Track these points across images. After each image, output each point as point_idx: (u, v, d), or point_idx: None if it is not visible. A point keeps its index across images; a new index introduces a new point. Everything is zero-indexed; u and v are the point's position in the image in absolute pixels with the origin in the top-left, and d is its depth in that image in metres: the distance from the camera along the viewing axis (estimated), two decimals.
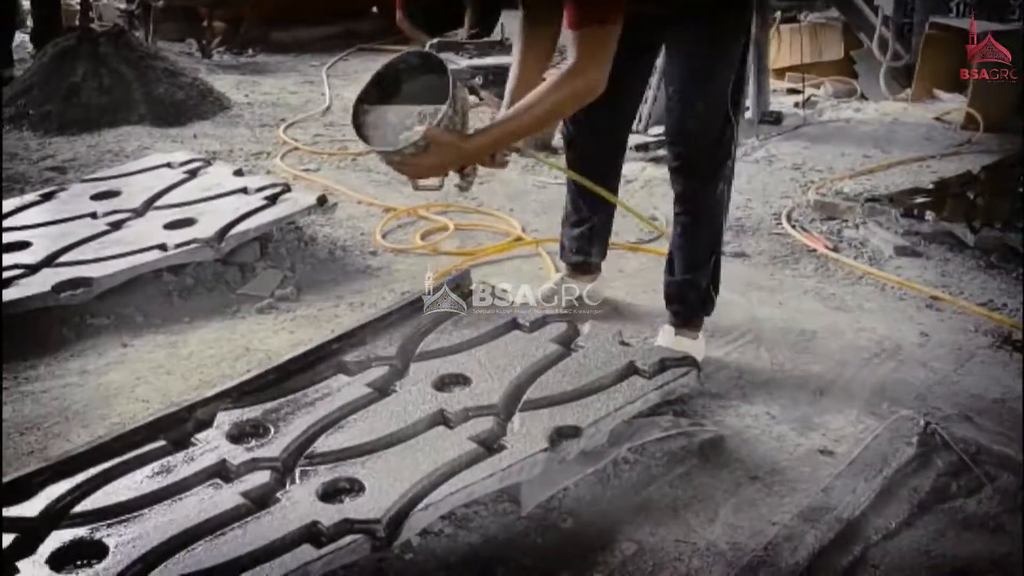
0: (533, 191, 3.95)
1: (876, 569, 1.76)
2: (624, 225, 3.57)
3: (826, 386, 2.48)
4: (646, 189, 3.98)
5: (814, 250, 3.35)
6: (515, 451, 1.97)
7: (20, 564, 1.67)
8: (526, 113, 2.14)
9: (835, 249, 3.35)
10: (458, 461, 1.93)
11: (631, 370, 2.27)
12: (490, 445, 2.00)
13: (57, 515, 1.80)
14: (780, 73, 5.74)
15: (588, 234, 2.78)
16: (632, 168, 4.21)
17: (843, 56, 5.73)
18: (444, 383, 2.23)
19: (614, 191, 2.76)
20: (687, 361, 2.30)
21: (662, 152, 4.33)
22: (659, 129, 4.58)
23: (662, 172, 4.12)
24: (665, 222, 3.57)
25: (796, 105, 5.27)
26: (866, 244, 3.40)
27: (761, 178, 4.13)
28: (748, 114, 4.87)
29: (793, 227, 3.54)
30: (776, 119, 4.92)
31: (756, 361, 2.60)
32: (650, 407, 2.21)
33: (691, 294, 2.58)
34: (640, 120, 4.74)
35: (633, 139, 4.51)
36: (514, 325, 2.48)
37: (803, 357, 2.63)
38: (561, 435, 2.02)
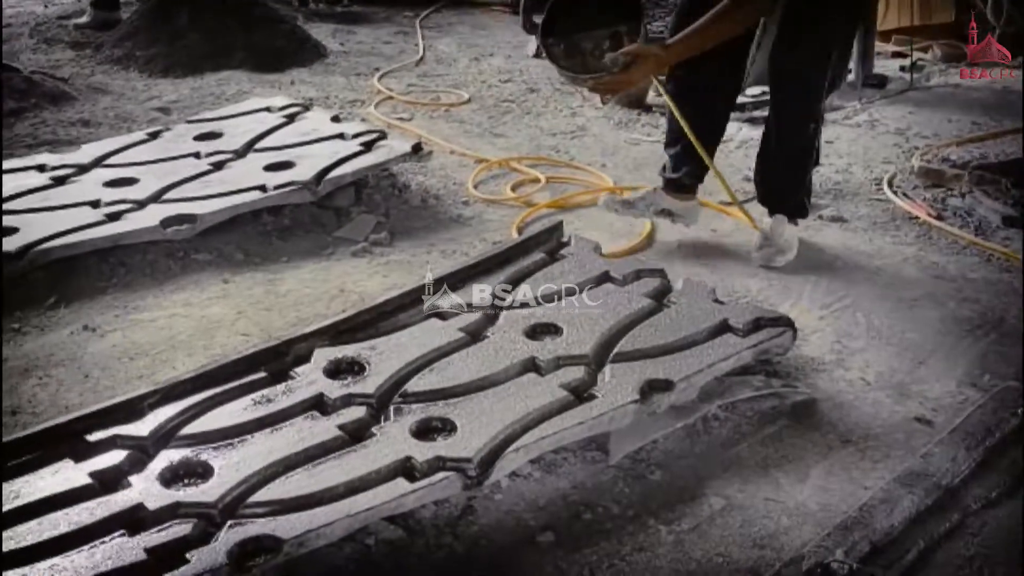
0: (626, 148, 3.91)
1: (974, 537, 1.72)
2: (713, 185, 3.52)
3: (925, 355, 2.42)
4: (742, 149, 3.90)
5: (916, 217, 3.24)
6: (605, 401, 1.98)
7: (132, 479, 1.75)
8: (702, 31, 2.60)
9: (939, 217, 3.23)
10: (549, 407, 1.96)
11: (724, 327, 2.25)
12: (581, 394, 2.02)
13: (166, 436, 1.88)
14: (886, 36, 5.52)
15: (681, 153, 2.97)
16: (728, 128, 4.11)
17: (953, 20, 5.48)
18: (535, 331, 2.25)
19: (718, 136, 3.06)
20: (782, 321, 2.27)
21: (759, 113, 4.25)
22: (757, 90, 4.47)
23: (759, 133, 4.04)
24: None
25: (902, 69, 5.07)
26: (972, 213, 3.27)
27: (863, 142, 4.00)
28: (851, 77, 4.72)
29: (895, 193, 3.43)
30: (880, 83, 4.75)
31: (852, 326, 2.54)
32: (742, 365, 2.19)
33: (789, 206, 2.95)
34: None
35: None
36: (607, 278, 2.48)
37: (901, 325, 2.56)
38: (652, 388, 2.02)
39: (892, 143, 4.00)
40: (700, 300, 2.37)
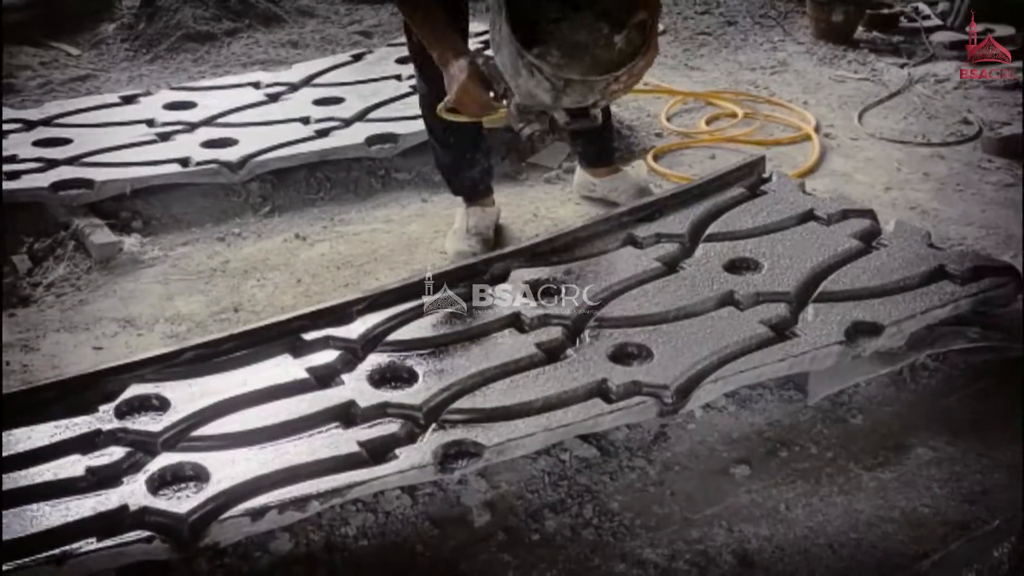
0: (830, 84, 3.71)
1: None
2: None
3: None
4: (960, 90, 3.62)
5: None
6: (808, 340, 1.91)
7: (344, 377, 1.85)
8: None
9: None
10: (748, 342, 1.91)
11: (940, 274, 2.12)
12: (781, 331, 1.96)
13: (373, 340, 1.97)
14: None
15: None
16: (945, 67, 3.84)
17: None
18: (734, 266, 2.19)
19: None
20: (1007, 271, 2.12)
21: (979, 52, 3.93)
22: (979, 27, 4.13)
23: (977, 73, 3.75)
24: (978, 126, 3.25)
25: None
26: None
27: None
28: None
29: None
30: None
31: None
32: (957, 315, 2.06)
33: None
34: (956, 16, 4.30)
35: (945, 36, 4.11)
36: (811, 216, 2.38)
37: None
38: (858, 330, 1.94)
39: None
40: (913, 244, 2.24)
